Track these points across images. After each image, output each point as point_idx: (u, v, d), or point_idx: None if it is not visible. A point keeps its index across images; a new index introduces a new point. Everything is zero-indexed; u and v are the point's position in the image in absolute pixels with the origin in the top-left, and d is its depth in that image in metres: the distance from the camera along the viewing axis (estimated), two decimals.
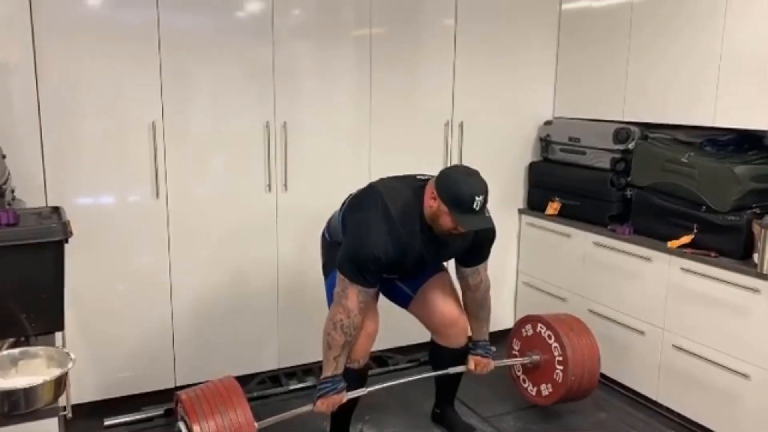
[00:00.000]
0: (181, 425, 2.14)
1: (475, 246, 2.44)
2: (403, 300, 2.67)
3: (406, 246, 2.26)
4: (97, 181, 2.78)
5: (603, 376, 3.26)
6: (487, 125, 3.53)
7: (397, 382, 2.61)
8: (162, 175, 2.85)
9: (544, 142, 3.64)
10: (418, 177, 2.39)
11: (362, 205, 2.32)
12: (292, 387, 3.18)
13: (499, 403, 3.10)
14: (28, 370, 1.43)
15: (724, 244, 2.72)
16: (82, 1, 2.65)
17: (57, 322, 1.75)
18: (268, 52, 2.97)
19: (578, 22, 3.53)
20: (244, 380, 2.86)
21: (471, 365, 2.63)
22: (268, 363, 3.24)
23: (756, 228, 2.58)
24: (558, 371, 2.79)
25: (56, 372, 1.38)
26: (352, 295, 2.26)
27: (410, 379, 2.66)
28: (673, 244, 2.86)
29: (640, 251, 3.01)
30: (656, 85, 3.07)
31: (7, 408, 1.33)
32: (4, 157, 2.18)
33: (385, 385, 2.58)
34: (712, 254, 2.72)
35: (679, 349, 2.86)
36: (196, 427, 2.05)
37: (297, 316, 3.23)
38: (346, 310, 2.27)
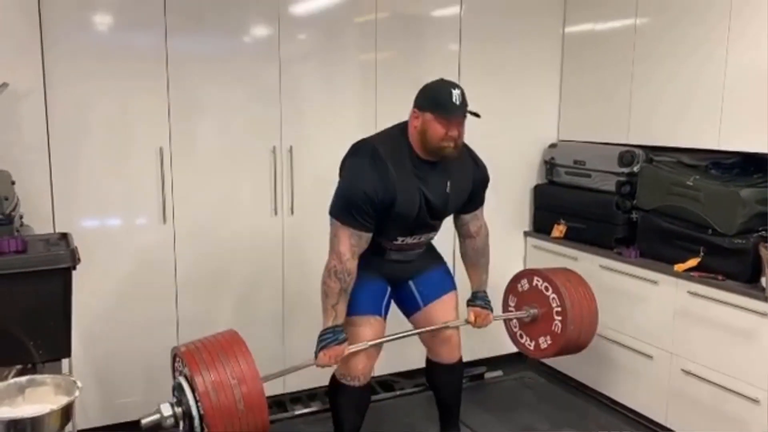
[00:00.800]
0: (182, 380, 1.97)
1: (475, 184, 2.46)
2: (411, 307, 2.63)
3: (399, 182, 2.24)
4: (105, 206, 2.80)
5: (611, 400, 3.24)
6: (491, 148, 3.49)
7: (393, 337, 2.48)
8: (169, 200, 2.86)
9: (549, 165, 3.65)
10: (402, 122, 2.41)
11: (353, 154, 2.35)
12: (297, 412, 3.17)
13: (503, 427, 3.07)
14: (35, 398, 1.43)
15: (731, 267, 2.71)
16: (91, 26, 2.69)
17: (64, 349, 1.75)
18: (274, 77, 3.00)
19: (582, 45, 3.56)
20: None
21: (471, 317, 2.59)
22: (273, 388, 3.20)
23: (763, 251, 2.57)
24: (557, 322, 2.70)
25: (63, 400, 1.38)
26: (344, 238, 2.26)
27: (407, 333, 2.54)
28: (679, 267, 2.85)
29: (647, 274, 3.00)
30: (661, 108, 3.09)
31: None
32: (13, 183, 2.20)
33: (387, 339, 2.46)
34: (720, 277, 2.71)
35: (688, 373, 2.83)
36: (198, 378, 1.90)
37: (303, 340, 3.19)
38: (338, 255, 2.26)
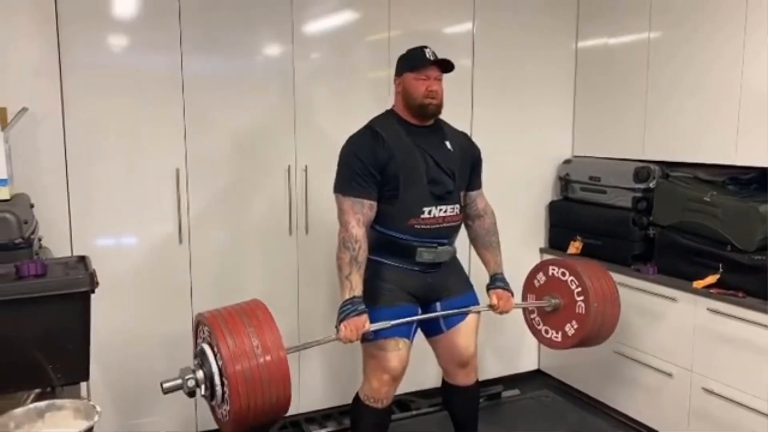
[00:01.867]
0: (205, 346, 1.94)
1: (474, 156, 2.57)
2: (433, 330, 2.59)
3: (393, 143, 2.35)
4: (122, 228, 2.82)
5: (631, 419, 3.20)
6: (505, 164, 3.54)
7: (420, 318, 2.44)
8: (185, 220, 2.88)
9: (564, 181, 3.63)
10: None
11: (350, 137, 2.46)
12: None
13: None
14: (54, 423, 1.43)
15: (751, 284, 2.67)
16: (108, 50, 2.73)
17: (83, 372, 1.74)
18: (289, 95, 3.02)
19: (595, 60, 3.56)
20: (265, 426, 2.83)
21: (493, 299, 2.53)
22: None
23: None
24: (579, 303, 2.61)
25: (83, 425, 1.38)
26: (347, 208, 2.31)
27: (428, 315, 2.48)
28: (698, 284, 2.82)
29: (666, 291, 2.97)
30: (676, 123, 3.07)
31: None
32: (32, 206, 2.22)
33: (411, 318, 2.40)
34: (740, 294, 2.68)
35: (709, 392, 2.79)
36: (222, 344, 1.87)
37: (317, 361, 3.21)
38: (344, 224, 2.31)
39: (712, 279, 2.79)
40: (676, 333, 2.94)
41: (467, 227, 2.64)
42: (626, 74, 3.33)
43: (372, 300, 2.36)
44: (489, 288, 2.58)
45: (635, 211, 3.22)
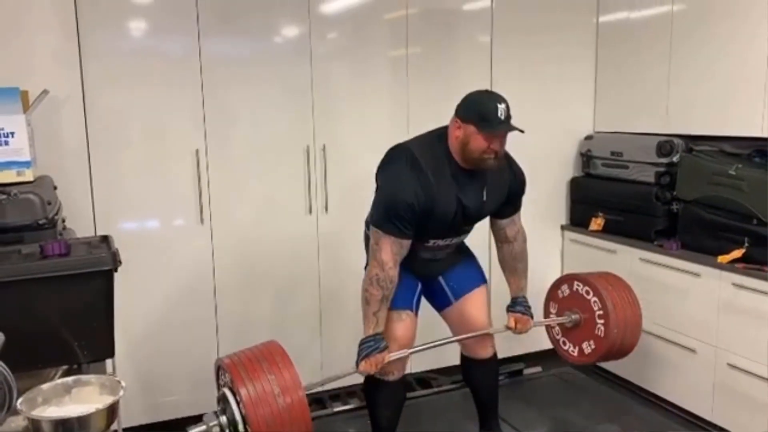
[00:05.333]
0: (227, 392, 2.00)
1: (511, 191, 2.45)
2: (441, 302, 2.63)
3: (438, 191, 2.24)
4: (143, 209, 2.85)
5: (654, 395, 3.18)
6: (526, 141, 3.42)
7: (436, 344, 2.47)
8: (206, 201, 2.90)
9: (585, 157, 3.59)
10: (440, 127, 2.39)
11: (390, 161, 2.33)
12: (336, 409, 3.18)
13: (543, 423, 3.04)
14: (81, 398, 1.46)
15: None
16: (126, 33, 2.74)
17: (108, 349, 1.78)
18: (306, 76, 3.02)
19: (616, 35, 3.49)
20: None
21: (511, 322, 2.56)
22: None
23: None
24: (599, 326, 2.65)
25: (108, 400, 1.40)
26: (386, 246, 2.26)
27: (444, 341, 2.52)
28: (723, 259, 2.78)
29: (689, 267, 2.93)
30: (700, 96, 3.01)
31: None
32: (55, 188, 2.25)
33: (427, 345, 2.46)
34: (766, 269, 2.63)
35: (734, 367, 2.76)
36: (242, 389, 1.94)
37: (340, 337, 3.23)
38: (380, 263, 2.27)
39: (737, 253, 2.75)
40: (699, 308, 2.90)
41: (497, 247, 2.62)
42: (648, 48, 3.27)
43: None
44: (509, 309, 2.61)
45: (658, 185, 3.18)
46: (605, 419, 3.08)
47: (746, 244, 2.73)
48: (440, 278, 2.58)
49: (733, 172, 2.79)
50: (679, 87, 3.12)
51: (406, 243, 2.29)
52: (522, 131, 2.20)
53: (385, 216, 2.25)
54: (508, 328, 2.57)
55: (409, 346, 2.47)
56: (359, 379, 2.70)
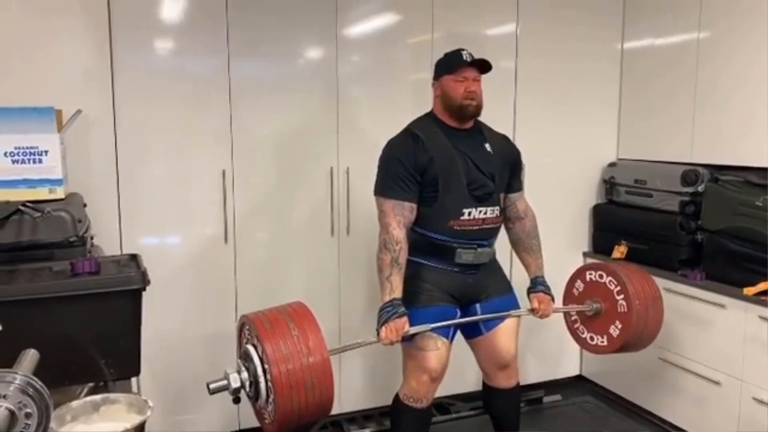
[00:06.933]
0: (250, 348, 1.99)
1: (514, 158, 2.57)
2: (472, 331, 2.58)
3: (433, 146, 2.35)
4: (169, 227, 2.88)
5: (677, 428, 3.13)
6: (549, 167, 3.50)
7: (455, 322, 2.43)
8: (231, 221, 2.93)
9: (609, 184, 3.58)
10: None
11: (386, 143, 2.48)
12: None
13: None
14: (108, 416, 1.47)
15: None
16: (157, 53, 2.80)
17: (134, 367, 1.79)
18: (332, 98, 3.05)
19: (641, 61, 3.50)
20: (305, 426, 2.85)
21: (534, 303, 2.53)
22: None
23: None
24: (620, 302, 2.58)
25: (136, 419, 1.41)
26: (388, 210, 2.33)
27: (468, 319, 2.46)
28: (749, 290, 2.74)
29: (714, 298, 2.90)
30: (726, 125, 3.00)
31: None
32: (85, 205, 2.29)
33: (450, 322, 2.40)
34: None
35: (760, 401, 2.71)
36: (267, 347, 1.91)
37: (358, 361, 3.22)
38: (385, 226, 2.33)
39: (764, 286, 2.71)
40: (724, 340, 2.86)
41: (507, 230, 2.63)
42: (674, 75, 3.26)
43: (411, 301, 2.37)
44: (530, 291, 2.58)
45: (682, 215, 3.16)
46: None
47: None
48: (478, 306, 2.52)
49: (760, 203, 2.77)
50: (704, 115, 3.11)
51: (408, 205, 2.35)
52: (488, 63, 2.41)
53: (383, 180, 2.38)
54: (531, 310, 2.53)
55: (440, 378, 2.46)
56: (375, 403, 2.69)
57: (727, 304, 2.84)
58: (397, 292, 2.30)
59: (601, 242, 3.61)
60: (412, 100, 3.20)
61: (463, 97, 2.38)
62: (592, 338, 2.74)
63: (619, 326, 2.61)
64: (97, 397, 1.49)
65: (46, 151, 2.10)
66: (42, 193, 2.10)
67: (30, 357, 1.19)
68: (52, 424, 1.36)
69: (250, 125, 2.93)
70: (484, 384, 2.71)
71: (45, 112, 2.13)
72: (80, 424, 1.44)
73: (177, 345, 2.92)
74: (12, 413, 1.02)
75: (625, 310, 2.58)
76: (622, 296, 2.59)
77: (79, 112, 2.49)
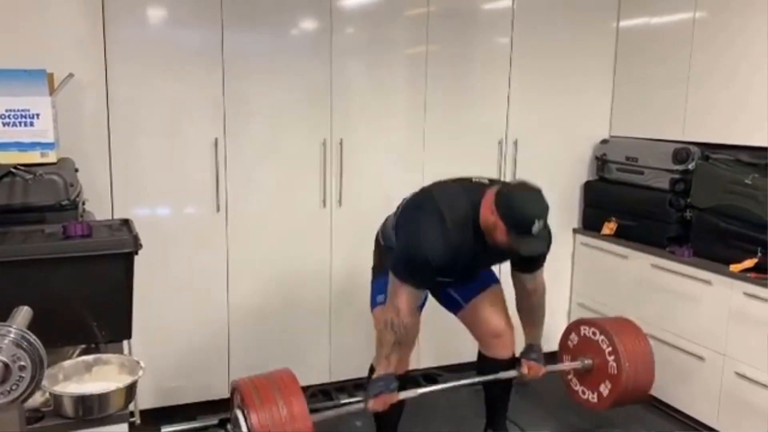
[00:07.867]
0: (238, 413, 2.13)
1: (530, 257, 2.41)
2: (453, 306, 2.67)
3: (459, 251, 2.24)
4: (161, 195, 2.88)
5: (660, 401, 3.19)
6: (541, 143, 3.51)
7: (448, 385, 2.63)
8: (223, 189, 2.93)
9: (600, 161, 3.59)
10: (474, 180, 2.37)
11: (417, 208, 2.34)
12: (342, 401, 3.19)
13: (552, 424, 3.05)
14: (100, 376, 1.49)
15: None
16: (150, 21, 2.77)
17: (125, 331, 1.80)
18: (325, 70, 3.03)
19: (636, 40, 3.49)
20: None
21: (524, 369, 2.59)
22: (318, 377, 3.27)
23: None
24: (611, 363, 2.70)
25: (128, 379, 1.44)
26: (403, 295, 2.28)
27: (461, 383, 2.63)
28: (735, 267, 2.78)
29: (701, 274, 2.94)
30: (718, 104, 3.01)
31: (81, 412, 1.38)
32: (76, 170, 2.28)
33: (437, 387, 2.61)
34: None
35: (742, 376, 2.76)
36: (254, 416, 2.07)
37: (349, 330, 3.25)
38: (397, 309, 2.29)
39: (749, 263, 2.75)
40: (709, 316, 2.91)
41: (515, 293, 2.61)
42: (668, 54, 3.26)
43: (383, 266, 2.42)
44: (522, 356, 2.64)
45: (672, 192, 3.18)
46: (610, 423, 3.09)
47: (759, 254, 2.73)
48: (450, 289, 2.61)
49: (749, 182, 2.79)
50: (697, 94, 3.12)
51: (424, 293, 2.37)
52: (544, 255, 2.35)
53: (406, 269, 2.27)
54: (520, 373, 2.61)
55: (412, 345, 2.49)
56: (365, 372, 2.72)
57: (713, 281, 2.88)
58: (392, 368, 2.36)
59: (591, 219, 3.64)
60: (407, 73, 3.20)
61: (504, 246, 2.20)
62: (583, 392, 2.87)
63: (609, 386, 2.74)
64: (90, 358, 1.51)
65: (38, 114, 2.09)
66: (34, 157, 2.09)
67: (23, 313, 1.20)
68: (45, 383, 1.38)
69: (243, 95, 2.92)
70: (479, 353, 2.74)
71: (37, 75, 2.12)
72: (72, 384, 1.46)
73: (167, 311, 2.93)
74: (6, 366, 1.03)
75: (615, 372, 2.70)
76: (612, 357, 2.70)
77: (71, 75, 2.46)
